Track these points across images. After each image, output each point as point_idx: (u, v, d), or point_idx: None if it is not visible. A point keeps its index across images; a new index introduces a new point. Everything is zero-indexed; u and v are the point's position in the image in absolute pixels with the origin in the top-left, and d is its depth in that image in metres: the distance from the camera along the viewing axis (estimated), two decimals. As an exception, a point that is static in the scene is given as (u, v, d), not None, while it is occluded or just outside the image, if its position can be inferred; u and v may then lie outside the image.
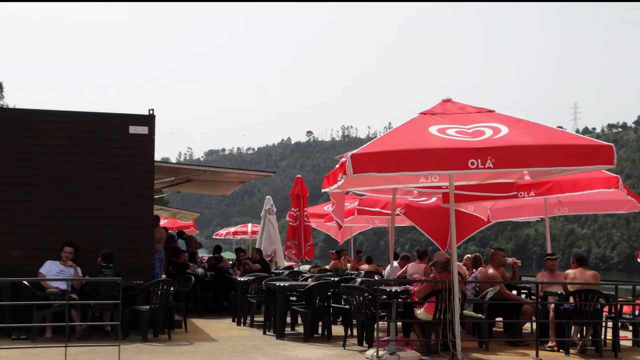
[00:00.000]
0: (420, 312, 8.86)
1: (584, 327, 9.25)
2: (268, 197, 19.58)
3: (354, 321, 9.80)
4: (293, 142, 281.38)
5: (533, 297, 10.99)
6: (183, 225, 25.88)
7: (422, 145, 7.66)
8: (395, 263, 12.66)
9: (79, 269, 9.89)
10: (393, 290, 9.38)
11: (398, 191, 11.14)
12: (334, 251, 17.59)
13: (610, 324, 9.73)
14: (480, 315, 9.65)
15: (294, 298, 10.74)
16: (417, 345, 8.92)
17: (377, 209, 14.06)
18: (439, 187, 10.64)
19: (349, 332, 9.69)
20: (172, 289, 10.24)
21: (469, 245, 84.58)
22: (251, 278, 12.23)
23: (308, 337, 9.94)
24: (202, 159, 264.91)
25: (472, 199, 10.91)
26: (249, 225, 31.56)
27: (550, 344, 9.39)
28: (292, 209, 16.35)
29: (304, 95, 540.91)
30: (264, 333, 10.64)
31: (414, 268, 11.72)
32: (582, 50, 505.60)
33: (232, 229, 32.88)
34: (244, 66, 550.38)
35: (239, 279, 12.61)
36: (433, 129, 8.03)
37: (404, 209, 12.86)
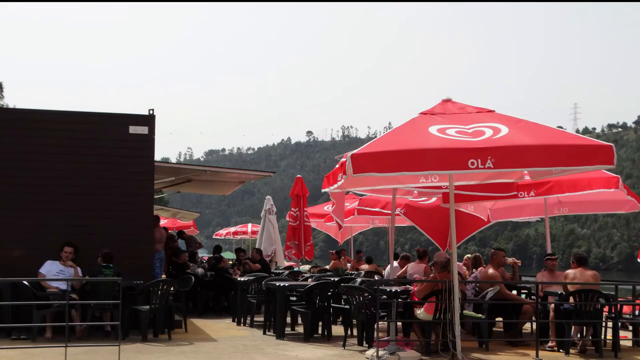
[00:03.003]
0: (420, 312, 8.86)
1: (584, 327, 9.25)
2: (268, 197, 19.58)
3: (354, 321, 9.79)
4: (293, 142, 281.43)
5: (533, 297, 10.99)
6: (183, 225, 25.88)
7: (422, 145, 7.65)
8: (395, 263, 12.66)
9: (79, 269, 9.89)
10: (393, 290, 9.38)
11: (398, 191, 11.13)
12: (334, 251, 17.58)
13: (610, 324, 9.73)
14: (480, 315, 9.65)
15: (294, 298, 10.74)
16: (417, 345, 8.92)
17: (377, 209, 14.06)
18: (439, 187, 10.64)
19: (349, 332, 9.68)
20: (172, 289, 10.23)
21: (469, 245, 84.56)
22: (251, 278, 12.23)
23: (308, 337, 9.94)
24: (202, 159, 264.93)
25: (472, 199, 10.90)
26: (249, 225, 31.54)
27: (550, 344, 9.38)
28: (292, 209, 16.34)
29: (304, 95, 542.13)
30: (264, 333, 10.64)
31: (414, 268, 11.71)
32: (582, 50, 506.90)
33: (232, 229, 32.86)
34: (244, 66, 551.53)
35: (239, 279, 12.61)
36: (433, 129, 8.03)
37: (404, 209, 12.85)
